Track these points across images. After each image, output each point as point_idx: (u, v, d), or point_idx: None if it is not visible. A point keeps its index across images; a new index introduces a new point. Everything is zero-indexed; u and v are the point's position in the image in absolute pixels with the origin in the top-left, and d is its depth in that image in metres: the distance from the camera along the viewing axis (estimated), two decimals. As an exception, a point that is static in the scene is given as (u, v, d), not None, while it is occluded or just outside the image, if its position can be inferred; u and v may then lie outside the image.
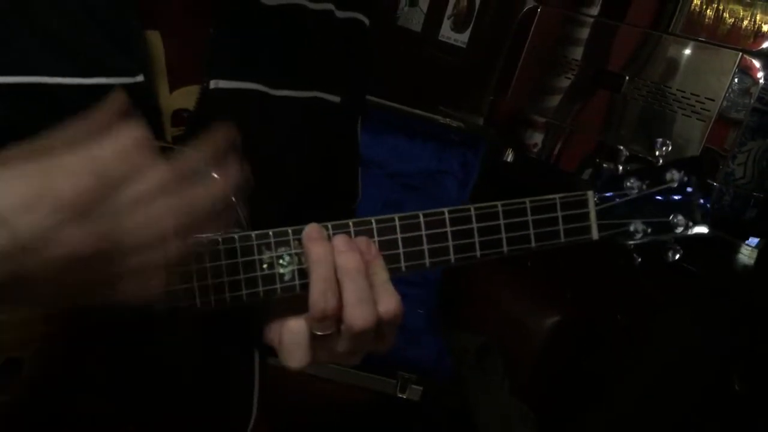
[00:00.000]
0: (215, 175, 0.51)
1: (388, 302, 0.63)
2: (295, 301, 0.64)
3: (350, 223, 0.65)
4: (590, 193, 0.72)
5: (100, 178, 0.44)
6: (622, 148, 0.76)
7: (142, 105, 0.64)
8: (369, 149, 1.94)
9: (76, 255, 0.45)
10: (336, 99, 0.78)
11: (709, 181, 0.77)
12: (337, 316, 0.62)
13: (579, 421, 1.80)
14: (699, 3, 1.53)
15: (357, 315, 0.61)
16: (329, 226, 0.64)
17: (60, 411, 0.64)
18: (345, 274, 0.61)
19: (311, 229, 0.63)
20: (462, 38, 2.38)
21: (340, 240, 0.63)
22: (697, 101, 1.49)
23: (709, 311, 1.53)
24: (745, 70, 1.41)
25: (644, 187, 0.74)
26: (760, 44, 1.43)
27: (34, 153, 0.45)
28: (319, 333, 0.62)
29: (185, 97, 0.67)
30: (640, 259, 0.75)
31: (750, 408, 1.43)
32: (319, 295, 0.61)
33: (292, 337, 0.63)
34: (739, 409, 1.45)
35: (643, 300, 1.66)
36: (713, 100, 1.45)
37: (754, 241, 1.59)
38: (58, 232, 0.44)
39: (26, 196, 0.43)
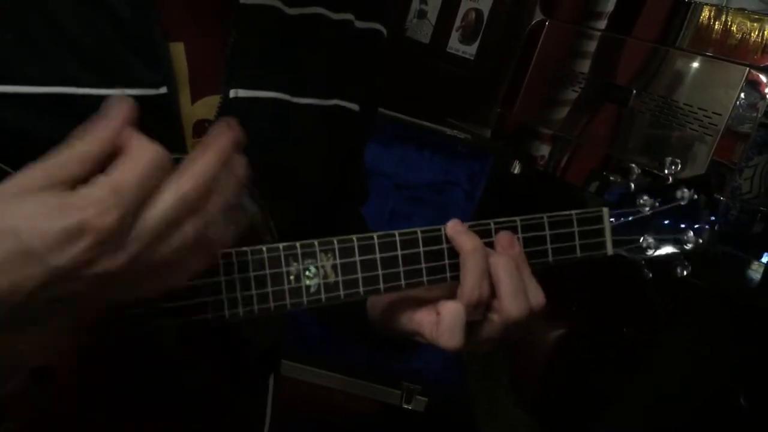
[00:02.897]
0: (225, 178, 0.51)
1: (537, 293, 0.68)
2: (435, 290, 0.68)
3: (491, 223, 0.69)
4: (605, 210, 0.75)
5: (126, 207, 0.45)
6: (633, 165, 0.78)
7: (165, 116, 0.64)
8: (377, 160, 1.94)
9: (110, 277, 0.47)
10: (355, 107, 0.79)
11: (716, 197, 0.79)
12: (488, 304, 0.66)
13: (584, 434, 1.79)
14: (707, 17, 1.54)
15: (514, 305, 0.65)
16: (467, 225, 0.68)
17: (85, 418, 0.64)
18: (501, 267, 0.66)
19: (455, 224, 0.67)
20: (470, 50, 2.39)
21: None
22: (704, 115, 1.49)
23: (716, 326, 1.53)
24: (753, 85, 1.41)
25: (656, 204, 0.76)
26: (768, 59, 1.43)
27: (51, 181, 0.46)
28: (468, 319, 0.66)
29: (207, 108, 0.68)
30: (651, 275, 0.77)
31: (756, 423, 1.42)
32: (475, 283, 0.65)
33: (452, 318, 0.65)
34: (744, 425, 1.44)
35: (650, 313, 1.66)
36: (720, 115, 1.45)
37: (764, 256, 1.58)
38: (93, 263, 0.45)
39: (58, 234, 0.44)
